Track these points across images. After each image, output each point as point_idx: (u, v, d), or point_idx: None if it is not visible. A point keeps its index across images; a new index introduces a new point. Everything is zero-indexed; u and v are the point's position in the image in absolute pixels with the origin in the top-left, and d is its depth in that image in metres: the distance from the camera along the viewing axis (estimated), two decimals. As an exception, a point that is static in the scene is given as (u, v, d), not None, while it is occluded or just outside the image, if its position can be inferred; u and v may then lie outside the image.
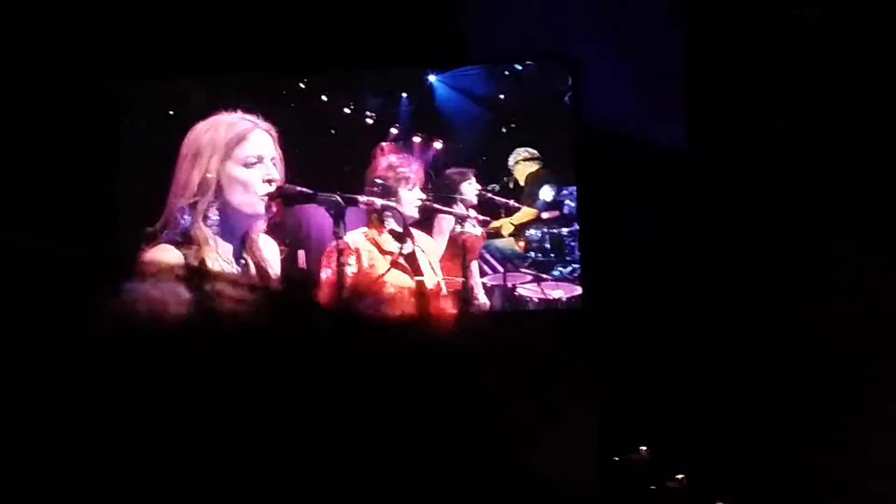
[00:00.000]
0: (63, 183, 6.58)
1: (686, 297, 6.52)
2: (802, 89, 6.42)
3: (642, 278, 6.57)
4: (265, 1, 6.91)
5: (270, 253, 5.42)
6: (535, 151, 6.91)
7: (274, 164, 5.30)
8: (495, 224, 6.85)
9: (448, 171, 6.93)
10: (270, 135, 5.39)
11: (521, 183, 6.93)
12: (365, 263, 5.96)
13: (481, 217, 6.74)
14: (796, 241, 6.40)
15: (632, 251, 6.60)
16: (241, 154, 5.21)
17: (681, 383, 6.35)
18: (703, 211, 6.53)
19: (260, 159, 5.24)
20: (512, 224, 6.85)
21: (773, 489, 5.81)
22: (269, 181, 5.18)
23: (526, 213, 6.87)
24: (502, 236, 6.90)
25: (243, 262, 5.18)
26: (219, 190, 5.12)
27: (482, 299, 6.72)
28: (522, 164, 6.88)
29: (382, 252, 6.01)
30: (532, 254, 6.87)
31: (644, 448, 5.70)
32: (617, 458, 5.65)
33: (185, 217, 5.07)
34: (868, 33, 6.25)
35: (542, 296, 6.75)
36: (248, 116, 5.42)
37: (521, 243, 6.87)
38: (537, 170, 6.91)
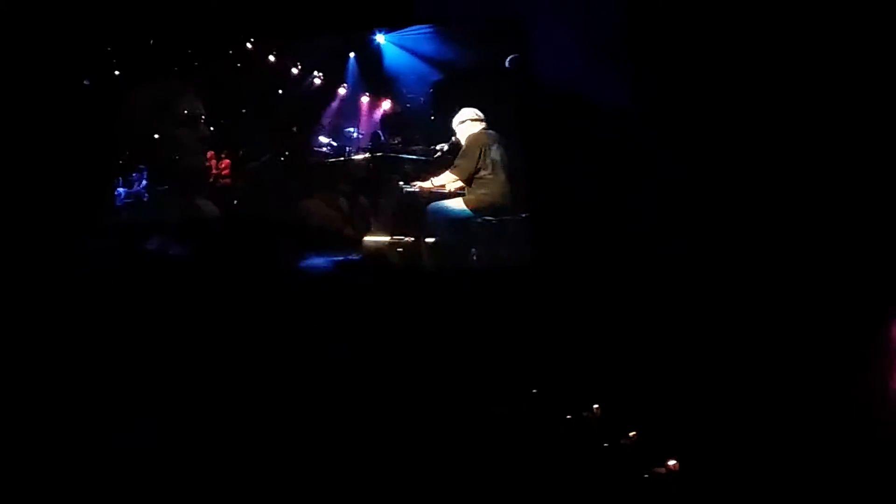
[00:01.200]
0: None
1: (632, 253, 6.58)
2: (744, 41, 6.47)
3: (589, 236, 6.62)
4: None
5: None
6: (479, 113, 6.93)
7: None
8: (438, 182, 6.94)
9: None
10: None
11: (465, 143, 6.93)
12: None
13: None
14: (737, 193, 6.47)
15: (578, 210, 6.64)
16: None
17: (632, 341, 6.43)
18: (647, 167, 6.57)
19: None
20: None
21: (722, 447, 5.91)
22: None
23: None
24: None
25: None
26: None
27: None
28: (468, 124, 6.89)
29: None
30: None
31: (596, 406, 5.79)
32: (570, 417, 5.76)
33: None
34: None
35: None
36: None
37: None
38: (480, 131, 6.93)
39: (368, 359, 6.44)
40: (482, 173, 6.85)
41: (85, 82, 7.04)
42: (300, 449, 5.60)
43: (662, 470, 5.38)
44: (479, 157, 6.84)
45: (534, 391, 6.07)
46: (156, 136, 7.22)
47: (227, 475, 5.34)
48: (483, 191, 6.85)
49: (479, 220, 6.83)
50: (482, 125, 6.92)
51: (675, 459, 5.40)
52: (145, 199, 7.26)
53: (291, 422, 5.80)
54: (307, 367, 6.46)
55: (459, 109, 6.96)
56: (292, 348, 6.55)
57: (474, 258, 6.80)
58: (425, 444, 5.72)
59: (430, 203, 6.92)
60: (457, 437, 5.73)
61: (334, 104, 7.27)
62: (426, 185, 6.95)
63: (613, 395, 5.92)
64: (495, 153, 6.87)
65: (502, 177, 6.83)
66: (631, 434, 5.63)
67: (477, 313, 6.62)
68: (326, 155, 7.24)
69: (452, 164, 6.92)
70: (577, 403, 5.85)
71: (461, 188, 6.91)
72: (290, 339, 6.58)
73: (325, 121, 7.28)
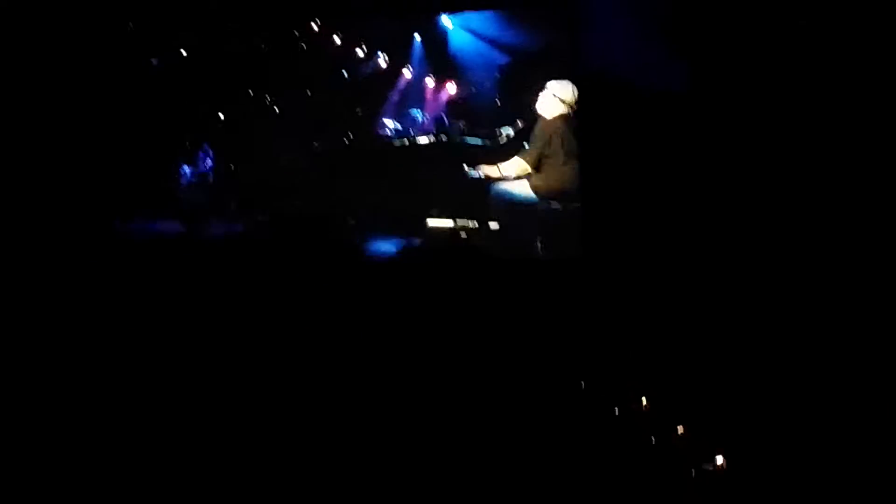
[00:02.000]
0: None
1: (686, 246, 6.48)
2: (803, 33, 6.33)
3: (642, 228, 6.52)
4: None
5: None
6: (569, 93, 6.68)
7: None
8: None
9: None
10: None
11: (538, 126, 6.74)
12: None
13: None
14: (793, 184, 6.33)
15: (631, 200, 6.54)
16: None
17: (682, 335, 6.35)
18: (704, 152, 6.45)
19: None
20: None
21: (772, 443, 5.84)
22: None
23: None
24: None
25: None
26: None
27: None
28: (551, 100, 6.67)
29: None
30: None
31: (645, 400, 5.73)
32: (617, 410, 5.71)
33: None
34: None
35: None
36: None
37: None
38: (555, 116, 6.72)
39: (418, 343, 6.47)
40: (550, 159, 6.74)
41: (153, 61, 7.10)
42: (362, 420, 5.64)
43: (710, 467, 5.32)
44: (549, 144, 6.74)
45: (581, 383, 6.04)
46: (221, 115, 7.27)
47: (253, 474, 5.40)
48: (550, 177, 6.74)
49: (545, 206, 6.75)
50: (562, 107, 6.74)
51: (724, 456, 5.35)
52: (211, 180, 7.33)
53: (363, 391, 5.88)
54: (370, 344, 6.51)
55: (539, 85, 6.76)
56: (353, 329, 6.59)
57: (539, 245, 6.71)
58: (473, 430, 5.73)
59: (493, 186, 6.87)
60: (504, 426, 5.73)
61: (399, 86, 7.25)
62: (491, 169, 6.88)
63: (662, 389, 5.87)
64: (566, 140, 6.70)
65: (571, 163, 6.67)
66: (679, 429, 5.58)
67: (528, 301, 6.59)
68: (390, 137, 7.22)
69: (518, 148, 6.84)
70: (624, 397, 5.81)
71: (527, 174, 6.83)
72: (354, 319, 6.62)
73: (390, 103, 7.27)
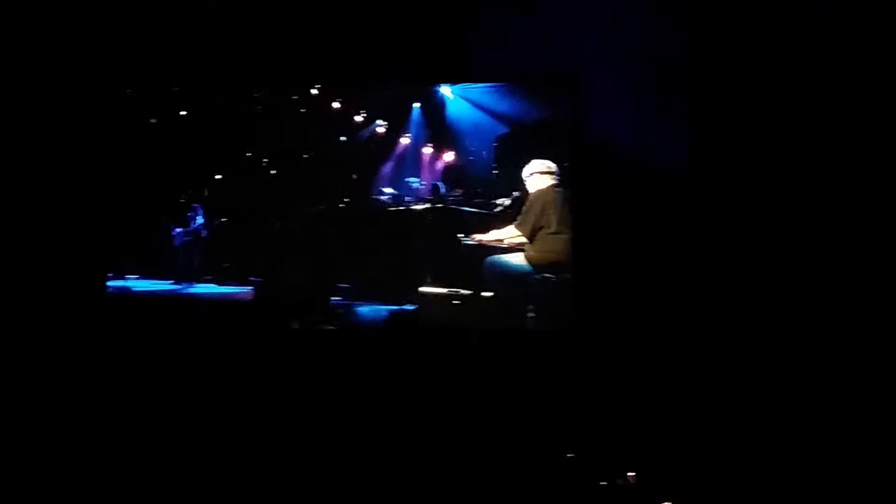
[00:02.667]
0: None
1: (684, 315, 6.49)
2: (807, 106, 6.42)
3: (634, 301, 6.54)
4: (282, 10, 6.87)
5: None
6: (553, 166, 6.81)
7: None
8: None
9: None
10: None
11: (530, 198, 6.81)
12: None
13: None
14: (795, 257, 6.39)
15: (623, 273, 6.57)
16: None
17: (669, 409, 6.33)
18: (702, 228, 6.50)
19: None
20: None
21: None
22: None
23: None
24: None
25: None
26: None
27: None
28: (536, 177, 6.82)
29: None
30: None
31: (631, 474, 5.70)
32: (604, 483, 5.67)
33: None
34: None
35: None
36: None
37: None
38: (546, 187, 6.82)
39: (409, 412, 6.43)
40: (544, 230, 6.78)
41: (152, 121, 7.11)
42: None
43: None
44: (542, 214, 6.77)
45: (569, 456, 6.01)
46: (217, 176, 7.27)
47: None
48: (544, 247, 6.76)
49: (539, 276, 6.75)
50: (551, 180, 6.81)
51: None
52: (204, 235, 7.30)
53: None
54: (361, 412, 6.45)
55: (529, 160, 6.84)
56: (344, 397, 6.54)
57: (531, 315, 6.71)
58: (463, 500, 5.68)
59: (488, 256, 6.87)
60: (493, 497, 5.69)
61: (396, 153, 7.29)
62: (486, 238, 6.90)
63: (648, 462, 5.84)
64: (561, 210, 6.75)
65: (566, 234, 6.72)
66: (665, 504, 5.55)
67: (519, 372, 6.57)
68: (386, 203, 7.24)
69: (514, 219, 6.86)
70: (611, 470, 5.77)
71: (520, 243, 6.84)
72: (344, 387, 6.58)
73: (386, 169, 7.30)
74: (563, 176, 6.81)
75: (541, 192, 6.82)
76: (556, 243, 6.74)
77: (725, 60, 6.56)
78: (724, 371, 6.38)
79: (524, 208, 6.83)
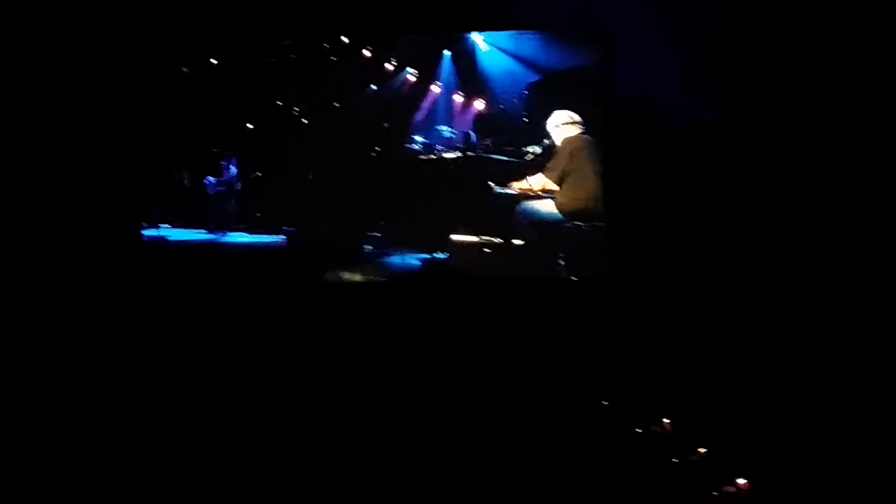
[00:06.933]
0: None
1: (714, 271, 6.47)
2: (835, 60, 6.35)
3: (666, 249, 6.53)
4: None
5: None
6: (576, 116, 6.84)
7: None
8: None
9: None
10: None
11: (559, 146, 6.86)
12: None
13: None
14: (820, 205, 6.36)
15: (657, 213, 6.55)
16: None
17: (705, 356, 6.34)
18: (737, 182, 6.47)
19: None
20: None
21: (793, 467, 5.82)
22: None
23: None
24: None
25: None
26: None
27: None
28: (562, 127, 6.83)
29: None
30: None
31: (667, 420, 5.74)
32: (639, 430, 5.70)
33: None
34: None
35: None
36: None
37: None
38: (575, 135, 6.85)
39: (443, 359, 6.48)
40: (573, 177, 6.78)
41: (184, 69, 7.14)
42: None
43: (732, 488, 5.31)
44: (570, 160, 6.77)
45: (604, 403, 6.04)
46: (249, 125, 7.31)
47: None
48: (573, 195, 6.77)
49: (570, 224, 6.76)
50: (578, 129, 6.83)
51: (746, 478, 5.34)
52: (236, 190, 7.36)
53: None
54: (394, 359, 6.52)
55: (553, 112, 6.87)
56: (376, 344, 6.60)
57: (563, 263, 6.73)
58: (496, 450, 5.73)
59: (519, 204, 6.88)
60: (529, 444, 5.73)
61: (427, 102, 7.28)
62: (518, 185, 6.90)
63: (685, 410, 5.86)
64: (588, 157, 6.76)
65: (594, 181, 6.72)
66: (701, 450, 5.57)
67: (552, 320, 6.60)
68: (417, 152, 7.25)
69: (545, 167, 6.86)
70: (647, 417, 5.80)
71: (551, 189, 6.84)
72: (377, 334, 6.64)
73: (418, 118, 7.29)
74: (588, 125, 6.82)
75: (569, 139, 6.84)
76: (584, 190, 6.75)
77: (758, 20, 6.49)
78: (754, 319, 6.37)
79: (553, 154, 6.85)
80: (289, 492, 5.36)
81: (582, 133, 6.83)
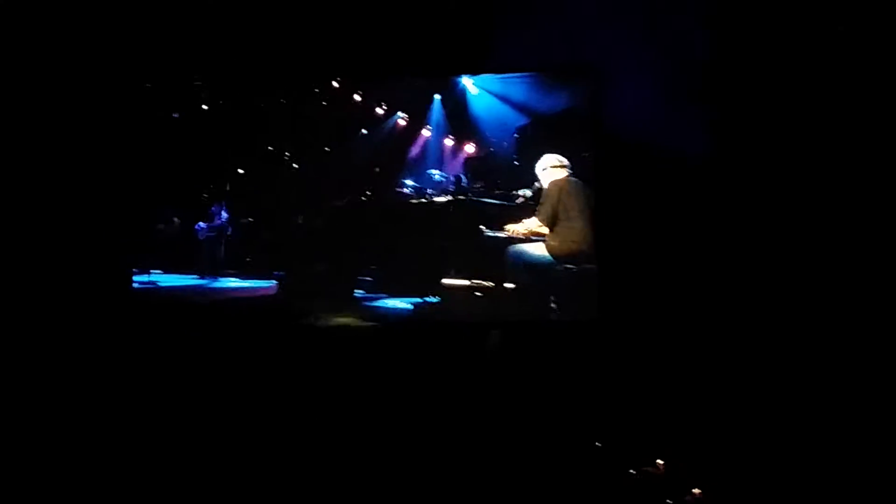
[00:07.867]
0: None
1: (707, 312, 6.47)
2: (825, 99, 6.39)
3: (658, 290, 6.53)
4: (302, 2, 6.90)
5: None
6: (564, 160, 6.87)
7: None
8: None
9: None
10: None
11: (546, 189, 6.86)
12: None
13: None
14: (811, 249, 6.37)
15: (649, 256, 6.56)
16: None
17: (698, 397, 6.32)
18: (730, 224, 6.49)
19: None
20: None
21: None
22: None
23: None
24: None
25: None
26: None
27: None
28: (550, 170, 6.85)
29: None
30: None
31: (661, 461, 5.72)
32: (633, 472, 5.68)
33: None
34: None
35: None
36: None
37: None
38: (563, 178, 6.87)
39: (434, 404, 6.45)
40: (563, 220, 6.79)
41: (174, 115, 7.16)
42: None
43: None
44: (559, 201, 6.78)
45: (597, 444, 6.02)
46: (240, 171, 7.31)
47: None
48: (564, 237, 6.78)
49: (560, 266, 6.75)
50: (565, 172, 6.85)
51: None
52: (229, 233, 7.35)
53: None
54: (382, 407, 6.49)
55: (543, 155, 6.90)
56: (367, 390, 6.58)
57: (553, 306, 6.71)
58: (490, 493, 5.70)
59: (510, 247, 6.87)
60: (521, 488, 5.70)
61: (417, 145, 7.29)
62: (509, 228, 6.90)
63: (678, 450, 5.84)
64: (578, 200, 6.78)
65: (584, 224, 6.74)
66: (695, 491, 5.56)
67: (545, 363, 6.58)
68: (408, 196, 7.25)
69: (535, 210, 6.86)
70: (641, 458, 5.78)
71: (541, 233, 6.84)
72: (368, 381, 6.61)
73: (408, 162, 7.31)
74: (576, 168, 6.86)
75: (557, 182, 6.86)
76: (574, 233, 6.76)
77: (746, 53, 6.54)
78: (747, 360, 6.36)
79: (542, 198, 6.87)
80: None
81: (570, 176, 6.85)
